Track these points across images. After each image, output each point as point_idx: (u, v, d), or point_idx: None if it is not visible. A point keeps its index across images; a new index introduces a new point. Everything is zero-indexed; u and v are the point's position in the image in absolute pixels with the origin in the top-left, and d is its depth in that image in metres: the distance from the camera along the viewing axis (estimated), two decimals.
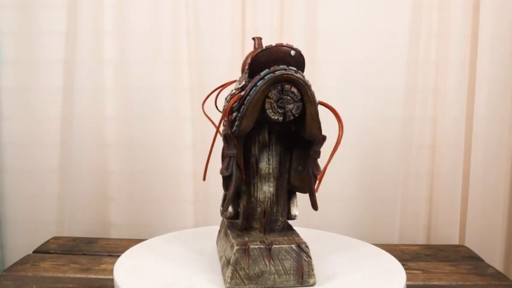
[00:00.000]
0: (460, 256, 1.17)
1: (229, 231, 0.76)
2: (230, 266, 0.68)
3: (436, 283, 1.00)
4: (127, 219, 1.33)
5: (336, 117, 0.73)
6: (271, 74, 0.67)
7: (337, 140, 0.73)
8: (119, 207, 1.33)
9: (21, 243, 1.34)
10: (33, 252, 1.17)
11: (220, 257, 0.77)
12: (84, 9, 1.25)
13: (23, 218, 1.36)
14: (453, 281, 1.01)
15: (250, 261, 0.69)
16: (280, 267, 0.70)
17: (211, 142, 0.76)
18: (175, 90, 1.28)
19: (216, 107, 0.90)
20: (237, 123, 0.68)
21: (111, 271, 0.78)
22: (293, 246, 0.71)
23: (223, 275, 0.71)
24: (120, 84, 1.29)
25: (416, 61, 1.28)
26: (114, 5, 1.26)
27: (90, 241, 1.25)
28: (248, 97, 0.67)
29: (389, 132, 1.27)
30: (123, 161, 1.32)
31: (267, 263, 0.69)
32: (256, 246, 0.70)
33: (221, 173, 0.72)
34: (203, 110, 0.88)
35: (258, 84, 0.67)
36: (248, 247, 0.69)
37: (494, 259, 1.28)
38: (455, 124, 1.27)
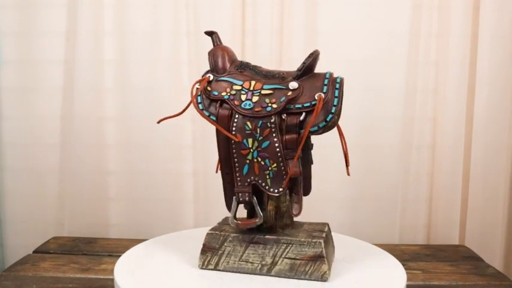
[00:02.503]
0: (460, 256, 1.17)
1: (268, 236, 0.75)
2: (324, 259, 0.72)
3: (436, 283, 1.00)
4: (127, 219, 1.33)
5: (339, 134, 0.79)
6: (339, 77, 0.77)
7: (344, 152, 0.81)
8: (119, 207, 1.33)
9: (21, 243, 1.34)
10: (33, 252, 1.17)
11: (262, 265, 0.74)
12: (84, 9, 1.25)
13: (23, 218, 1.36)
14: (453, 281, 1.01)
15: (328, 250, 0.75)
16: (332, 248, 0.80)
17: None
18: (175, 90, 1.28)
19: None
20: (328, 123, 0.73)
21: (111, 271, 0.78)
22: (327, 228, 0.80)
23: (303, 275, 0.72)
24: (120, 84, 1.29)
25: (416, 61, 1.27)
26: (114, 5, 1.26)
27: (90, 241, 1.25)
28: (337, 98, 0.75)
29: (389, 132, 1.27)
30: (123, 161, 1.32)
31: (330, 247, 0.78)
32: (324, 235, 0.75)
33: (299, 174, 0.73)
34: (203, 115, 0.78)
35: (337, 87, 0.76)
36: (325, 238, 0.75)
37: (494, 259, 1.28)
38: (455, 124, 1.27)
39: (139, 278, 0.74)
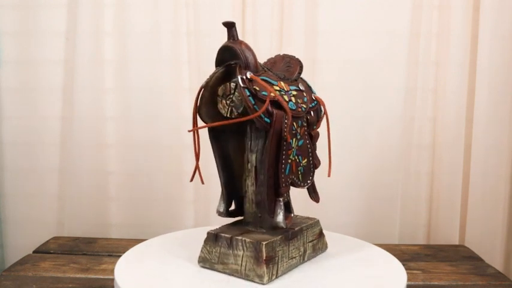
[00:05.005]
0: (460, 256, 1.17)
1: (296, 228, 0.78)
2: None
3: (436, 283, 1.00)
4: (127, 219, 1.33)
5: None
6: None
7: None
8: (119, 207, 1.33)
9: (21, 243, 1.34)
10: (33, 252, 1.17)
11: (300, 256, 0.78)
12: (84, 9, 1.25)
13: (23, 218, 1.36)
14: (453, 281, 1.01)
15: None
16: None
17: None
18: (175, 90, 1.28)
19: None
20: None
21: (111, 271, 0.78)
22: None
23: (319, 252, 0.82)
24: (120, 84, 1.29)
25: (416, 61, 1.28)
26: (114, 5, 1.26)
27: (90, 241, 1.25)
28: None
29: (389, 132, 1.27)
30: (123, 161, 1.31)
31: None
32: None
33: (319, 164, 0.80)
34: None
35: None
36: None
37: (494, 259, 1.28)
38: (455, 124, 1.27)
39: (139, 278, 0.74)
